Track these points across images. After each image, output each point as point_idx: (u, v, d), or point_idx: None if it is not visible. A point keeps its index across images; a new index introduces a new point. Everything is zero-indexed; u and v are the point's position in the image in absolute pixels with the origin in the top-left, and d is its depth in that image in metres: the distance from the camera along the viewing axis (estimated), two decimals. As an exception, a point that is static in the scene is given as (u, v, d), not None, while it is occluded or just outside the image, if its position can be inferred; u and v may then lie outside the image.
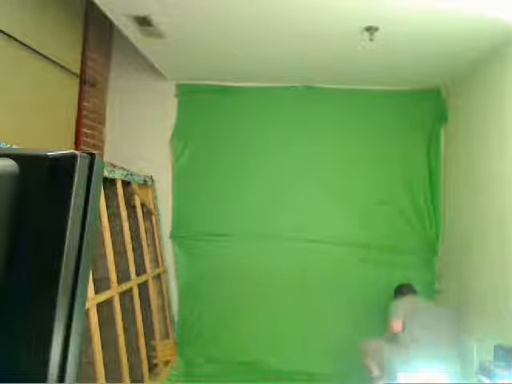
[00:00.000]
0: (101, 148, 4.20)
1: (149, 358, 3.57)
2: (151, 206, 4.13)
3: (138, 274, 3.54)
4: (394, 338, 3.42)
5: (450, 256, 3.95)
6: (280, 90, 4.26)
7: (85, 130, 3.86)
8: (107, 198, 3.25)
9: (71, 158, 0.52)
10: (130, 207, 3.69)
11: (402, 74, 3.87)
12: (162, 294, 4.08)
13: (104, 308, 2.91)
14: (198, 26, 3.07)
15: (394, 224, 4.10)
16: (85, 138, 3.86)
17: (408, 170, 4.15)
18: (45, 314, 0.51)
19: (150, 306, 3.75)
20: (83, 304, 0.56)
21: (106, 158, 3.92)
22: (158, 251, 4.13)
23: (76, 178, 0.52)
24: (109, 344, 2.91)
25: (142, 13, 2.88)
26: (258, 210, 4.20)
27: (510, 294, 2.88)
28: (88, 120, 3.91)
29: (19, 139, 2.84)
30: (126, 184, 3.67)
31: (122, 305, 3.13)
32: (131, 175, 3.72)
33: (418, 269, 4.06)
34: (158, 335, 3.79)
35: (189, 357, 4.07)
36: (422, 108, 4.16)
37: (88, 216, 0.55)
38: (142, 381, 3.37)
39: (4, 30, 2.73)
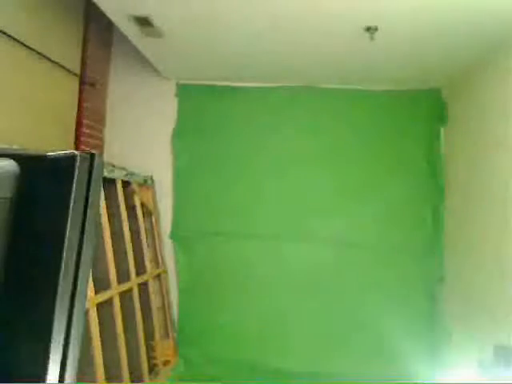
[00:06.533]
0: (101, 148, 4.20)
1: (149, 358, 3.57)
2: (151, 206, 4.13)
3: (137, 274, 3.54)
4: None
5: (452, 256, 3.95)
6: (280, 89, 4.26)
7: (85, 129, 3.86)
8: (107, 198, 3.25)
9: (71, 158, 0.52)
10: (130, 207, 3.69)
11: (402, 74, 3.87)
12: (161, 293, 4.08)
13: (104, 308, 2.91)
14: (198, 25, 3.07)
15: (396, 224, 4.10)
16: (85, 138, 3.86)
17: (408, 170, 4.14)
18: (45, 314, 0.51)
19: (149, 305, 3.75)
20: (83, 304, 0.56)
21: (105, 158, 3.92)
22: (157, 251, 4.13)
23: (76, 178, 0.52)
24: (109, 344, 2.91)
25: (141, 13, 2.88)
26: (258, 210, 4.20)
27: (511, 294, 2.88)
28: (88, 120, 3.91)
29: (19, 139, 2.84)
30: (126, 184, 3.67)
31: (122, 305, 3.13)
32: (131, 175, 3.72)
33: (419, 270, 4.06)
34: (157, 335, 3.79)
35: (189, 357, 4.07)
36: (422, 108, 4.16)
37: (88, 216, 0.55)
38: (142, 381, 3.37)
39: (4, 29, 2.73)
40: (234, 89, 4.29)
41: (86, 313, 2.57)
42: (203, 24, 3.04)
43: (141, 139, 4.31)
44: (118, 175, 3.45)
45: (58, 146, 3.38)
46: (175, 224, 4.27)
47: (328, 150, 4.21)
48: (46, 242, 0.53)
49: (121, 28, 3.17)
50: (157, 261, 4.10)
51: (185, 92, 4.34)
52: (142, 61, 4.07)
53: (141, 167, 4.09)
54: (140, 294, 3.51)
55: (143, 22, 3.00)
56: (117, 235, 3.31)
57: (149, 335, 3.64)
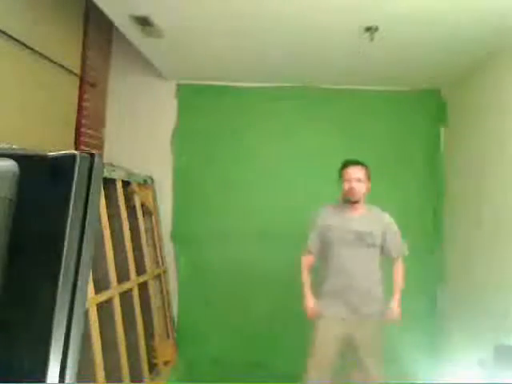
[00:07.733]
0: (101, 148, 4.19)
1: (149, 358, 3.57)
2: (151, 206, 4.12)
3: (138, 274, 3.53)
4: None
5: (452, 256, 3.95)
6: (280, 89, 4.26)
7: (85, 130, 3.85)
8: (107, 198, 3.25)
9: (71, 158, 0.52)
10: (130, 207, 3.69)
11: (402, 75, 3.87)
12: (161, 294, 4.08)
13: (104, 308, 2.91)
14: (198, 25, 3.07)
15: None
16: (85, 138, 3.86)
17: (408, 171, 4.14)
18: (45, 314, 0.51)
19: (150, 306, 3.74)
20: (83, 304, 0.56)
21: (105, 158, 3.92)
22: (157, 251, 4.13)
23: (76, 178, 0.52)
24: (109, 344, 2.91)
25: (142, 13, 2.88)
26: (259, 210, 4.20)
27: (510, 294, 2.88)
28: (88, 120, 3.91)
29: (19, 139, 2.84)
30: (126, 184, 3.66)
31: (122, 305, 3.13)
32: (131, 175, 3.72)
33: (419, 270, 4.05)
34: (157, 335, 3.79)
35: (189, 357, 4.07)
36: (422, 108, 4.16)
37: (88, 216, 0.55)
38: (142, 381, 3.36)
39: (4, 29, 2.73)
40: (233, 89, 4.29)
41: (86, 313, 2.57)
42: (203, 24, 3.04)
43: (141, 139, 4.32)
44: (118, 175, 3.45)
45: (58, 146, 3.38)
46: (175, 224, 4.27)
47: (327, 150, 4.21)
48: (46, 242, 0.53)
49: (121, 28, 3.17)
50: (157, 261, 4.10)
51: (185, 92, 4.34)
52: (141, 61, 4.07)
53: (141, 167, 4.09)
54: (140, 294, 3.50)
55: (143, 22, 3.00)
56: (117, 235, 3.30)
57: (149, 335, 3.64)
